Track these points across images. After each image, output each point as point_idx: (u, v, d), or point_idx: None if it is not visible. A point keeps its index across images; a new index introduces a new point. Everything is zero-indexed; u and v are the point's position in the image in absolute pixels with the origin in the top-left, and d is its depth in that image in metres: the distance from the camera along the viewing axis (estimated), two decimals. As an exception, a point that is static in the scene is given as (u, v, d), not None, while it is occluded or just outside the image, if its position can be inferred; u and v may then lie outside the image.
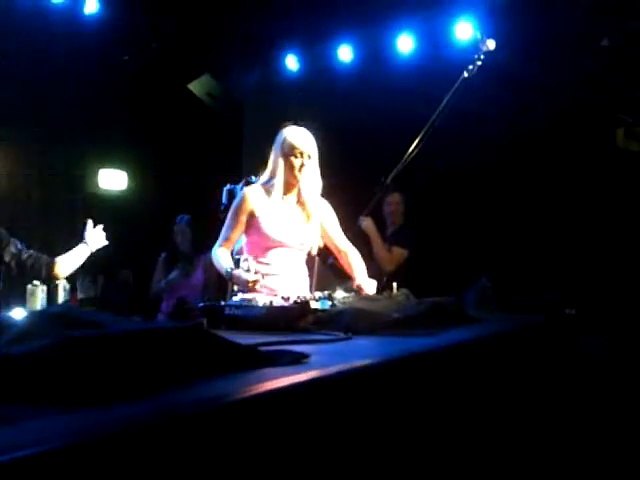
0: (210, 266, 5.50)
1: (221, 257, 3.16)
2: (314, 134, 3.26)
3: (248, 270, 2.87)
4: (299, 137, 3.21)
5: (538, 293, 4.52)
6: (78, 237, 5.14)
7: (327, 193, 3.31)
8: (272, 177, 3.22)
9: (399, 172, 4.17)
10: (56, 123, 5.74)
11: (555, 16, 5.01)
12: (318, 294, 2.51)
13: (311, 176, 3.24)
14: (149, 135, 6.33)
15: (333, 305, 2.38)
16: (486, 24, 5.01)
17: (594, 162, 5.02)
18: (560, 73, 4.87)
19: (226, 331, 2.11)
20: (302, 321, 2.20)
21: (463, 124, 4.64)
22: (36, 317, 1.31)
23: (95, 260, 5.08)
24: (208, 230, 3.22)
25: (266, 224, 3.15)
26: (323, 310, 2.30)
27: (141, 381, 1.09)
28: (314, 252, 3.33)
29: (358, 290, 3.03)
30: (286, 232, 3.17)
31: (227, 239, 3.21)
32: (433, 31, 5.68)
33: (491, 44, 3.95)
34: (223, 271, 3.07)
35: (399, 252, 4.95)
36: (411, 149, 4.06)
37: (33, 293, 4.20)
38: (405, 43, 5.77)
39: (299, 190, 3.24)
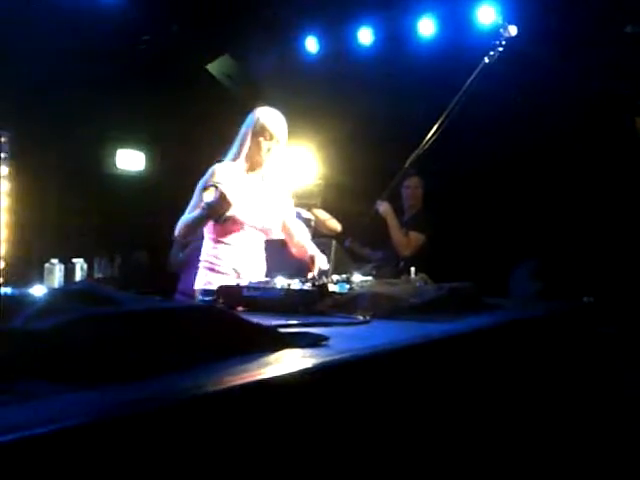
0: None
1: (188, 215, 3.07)
2: (333, 117, 3.22)
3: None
4: (272, 119, 3.16)
5: (556, 281, 4.49)
6: (94, 218, 5.17)
7: (345, 178, 3.31)
8: (238, 155, 3.15)
9: (418, 157, 4.14)
10: (74, 104, 5.74)
11: (578, 2, 4.94)
12: (336, 277, 2.50)
13: (277, 160, 3.18)
14: (167, 116, 6.31)
15: (351, 288, 2.37)
16: (508, 9, 4.96)
17: (614, 150, 4.97)
18: (582, 60, 4.80)
19: (244, 312, 2.11)
20: (320, 304, 2.19)
21: (483, 109, 4.59)
22: (56, 294, 1.30)
23: (112, 240, 5.11)
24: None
25: (237, 209, 3.04)
26: (341, 293, 2.29)
27: (159, 360, 1.09)
28: (274, 235, 3.23)
29: (309, 261, 2.94)
30: (249, 214, 3.09)
31: (187, 213, 3.11)
32: (455, 15, 5.61)
33: (513, 30, 3.90)
34: (197, 220, 2.99)
35: (417, 237, 4.93)
36: (430, 134, 4.03)
37: (51, 271, 4.24)
38: (426, 26, 5.71)
39: (263, 172, 3.18)
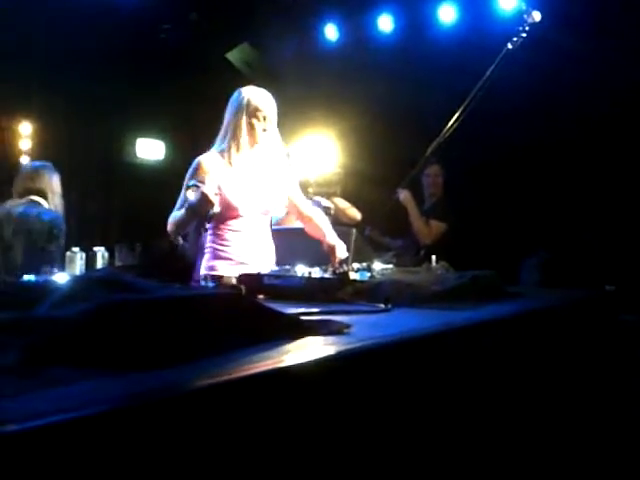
0: None
1: (176, 213, 2.96)
2: (353, 105, 3.17)
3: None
4: (263, 99, 3.05)
5: (578, 269, 4.46)
6: (115, 206, 5.20)
7: (366, 166, 3.30)
8: (230, 140, 3.02)
9: (439, 145, 4.11)
10: (94, 94, 5.77)
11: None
12: (357, 265, 2.50)
13: (273, 140, 3.08)
14: (186, 105, 6.33)
15: (372, 277, 2.36)
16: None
17: (637, 139, 4.91)
18: (607, 45, 4.74)
19: (264, 300, 2.11)
20: (341, 292, 2.19)
21: (505, 97, 4.55)
22: (80, 281, 1.31)
23: (133, 228, 5.12)
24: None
25: (229, 193, 2.95)
26: (362, 281, 2.28)
27: (182, 347, 1.09)
28: (280, 215, 3.19)
29: (329, 251, 2.92)
30: (249, 199, 2.99)
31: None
32: (476, 1, 5.58)
33: (537, 16, 3.86)
34: (185, 216, 2.84)
35: (438, 225, 4.91)
36: (452, 121, 4.00)
37: (72, 259, 4.25)
38: (447, 13, 5.68)
39: (260, 154, 3.06)
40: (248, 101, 3.02)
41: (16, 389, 0.85)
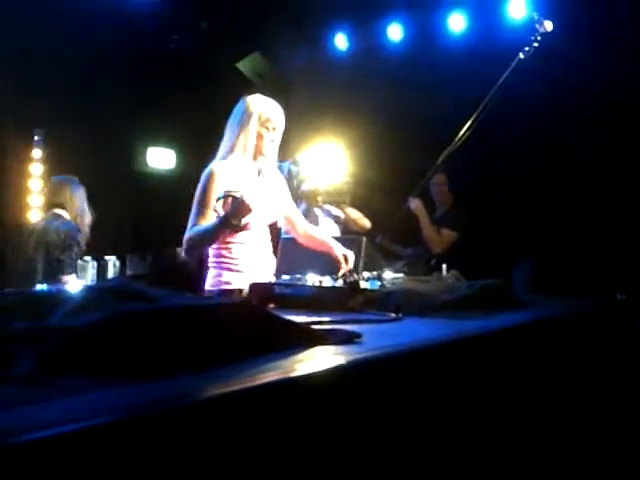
0: None
1: (199, 229, 2.86)
2: (363, 115, 3.16)
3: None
4: (274, 110, 3.00)
5: (588, 278, 4.44)
6: (126, 216, 5.21)
7: (376, 175, 3.30)
8: (239, 149, 2.96)
9: (450, 154, 4.11)
10: (105, 102, 5.80)
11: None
12: (367, 274, 2.50)
13: (275, 149, 3.05)
14: (197, 114, 6.34)
15: (382, 285, 2.36)
16: (539, 3, 4.90)
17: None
18: (618, 55, 4.73)
19: (275, 310, 2.11)
20: (351, 301, 2.19)
21: (516, 106, 4.54)
22: (91, 291, 1.31)
23: (144, 238, 5.13)
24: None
25: None
26: (372, 290, 2.28)
27: (193, 356, 1.09)
28: (280, 225, 3.16)
29: (339, 262, 2.88)
30: (258, 210, 2.85)
31: (199, 223, 2.90)
32: (485, 10, 5.58)
33: (548, 25, 3.85)
34: (209, 232, 2.80)
35: (449, 234, 4.91)
36: (463, 131, 4.00)
37: (84, 268, 4.29)
38: (457, 22, 5.69)
39: (263, 164, 2.98)
40: (259, 111, 2.97)
41: (28, 398, 0.85)
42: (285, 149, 3.23)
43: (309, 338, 1.37)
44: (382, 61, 6.02)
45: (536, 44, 3.81)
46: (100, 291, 1.27)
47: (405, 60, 5.86)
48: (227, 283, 2.95)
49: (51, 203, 4.49)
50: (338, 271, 2.80)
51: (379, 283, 2.36)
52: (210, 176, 2.93)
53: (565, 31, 4.29)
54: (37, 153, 6.00)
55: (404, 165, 5.24)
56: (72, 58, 5.55)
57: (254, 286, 2.39)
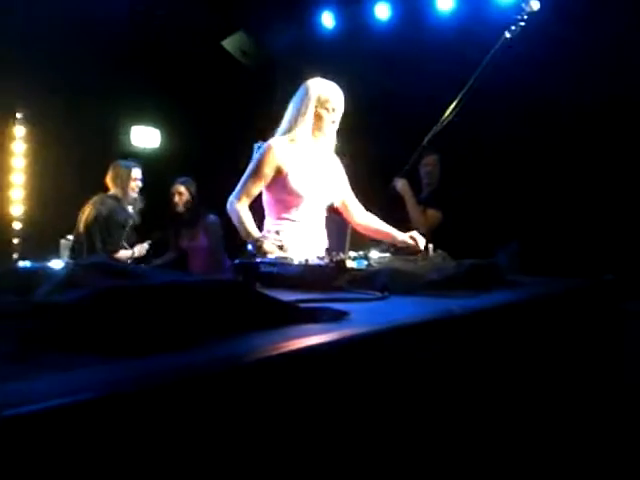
0: (213, 231, 5.56)
1: (244, 218, 3.02)
2: (350, 94, 3.19)
3: (281, 247, 2.79)
4: (332, 91, 3.10)
5: (575, 259, 4.46)
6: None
7: (363, 155, 3.29)
8: (296, 128, 3.09)
9: (436, 134, 4.09)
10: (89, 81, 5.74)
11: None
12: (353, 254, 2.49)
13: (334, 130, 3.15)
14: (182, 92, 6.30)
15: (369, 265, 2.35)
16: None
17: (633, 129, 4.90)
18: (605, 36, 4.72)
19: (261, 288, 2.10)
20: (338, 280, 2.18)
21: (503, 87, 4.53)
22: (76, 268, 1.30)
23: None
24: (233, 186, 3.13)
25: (295, 181, 3.03)
26: (359, 269, 2.27)
27: (179, 333, 1.08)
28: (337, 204, 3.24)
29: (409, 246, 3.00)
30: (313, 188, 3.07)
31: (247, 193, 3.07)
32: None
33: (535, 5, 3.83)
34: (247, 238, 2.96)
35: (434, 214, 4.91)
36: (449, 111, 3.98)
37: (67, 247, 4.27)
38: (445, 1, 5.65)
39: (322, 144, 3.14)
40: (318, 92, 3.07)
41: (12, 374, 0.84)
42: (273, 127, 3.26)
43: (295, 316, 1.36)
44: (369, 40, 5.99)
45: (522, 23, 3.79)
46: (84, 268, 1.25)
47: (392, 39, 5.83)
48: None
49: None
50: (415, 253, 2.89)
51: (365, 262, 2.36)
52: (267, 151, 3.05)
53: (552, 11, 4.28)
54: (19, 132, 5.94)
55: (391, 145, 5.22)
56: (54, 38, 5.48)
57: (240, 264, 2.38)
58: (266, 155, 3.04)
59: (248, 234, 2.98)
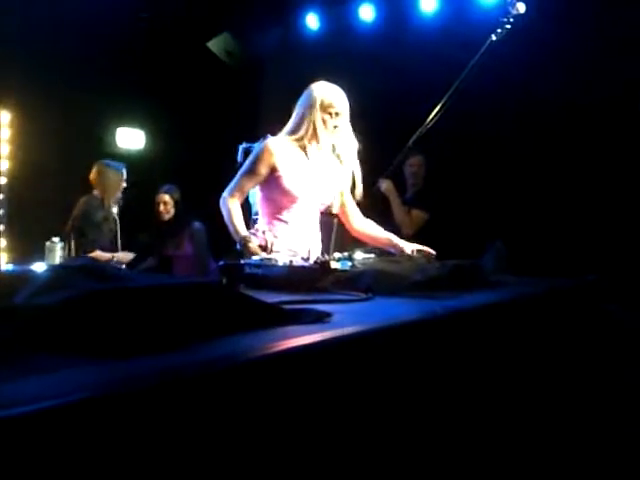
0: (199, 237, 5.55)
1: (234, 215, 3.02)
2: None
3: (264, 248, 2.82)
4: (335, 95, 3.10)
5: (562, 260, 4.49)
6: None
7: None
8: (300, 131, 3.09)
9: (421, 135, 4.11)
10: (73, 83, 5.72)
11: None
12: (338, 255, 2.49)
13: (346, 135, 3.14)
14: (167, 94, 6.29)
15: (353, 266, 2.36)
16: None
17: (617, 129, 4.93)
18: (589, 37, 4.75)
19: (245, 289, 2.10)
20: (322, 281, 2.18)
21: (488, 87, 4.55)
22: (59, 270, 1.29)
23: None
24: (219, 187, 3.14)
25: (289, 181, 3.02)
26: (343, 271, 2.28)
27: (163, 336, 1.08)
28: (334, 211, 3.27)
29: (424, 254, 2.95)
30: (308, 190, 3.07)
31: (240, 189, 3.07)
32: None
33: (521, 7, 3.85)
34: (235, 236, 2.98)
35: (419, 215, 4.93)
36: (434, 112, 4.00)
37: (52, 250, 4.25)
38: (428, 3, 5.68)
39: (324, 148, 3.13)
40: (321, 97, 3.06)
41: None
42: (258, 129, 3.26)
43: (279, 317, 1.37)
44: (354, 41, 6.00)
45: (508, 26, 3.81)
46: (68, 270, 1.25)
47: (377, 41, 5.84)
48: None
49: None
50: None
51: (350, 263, 2.36)
52: (264, 149, 3.05)
53: (538, 13, 4.30)
54: (4, 133, 5.90)
55: (376, 146, 5.22)
56: (39, 38, 5.45)
57: (224, 266, 2.38)
58: (262, 152, 3.04)
59: (236, 232, 2.99)
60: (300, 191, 3.04)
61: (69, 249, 4.53)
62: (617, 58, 4.68)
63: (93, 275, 1.19)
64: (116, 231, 5.01)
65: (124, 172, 5.18)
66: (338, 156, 3.19)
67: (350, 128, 3.16)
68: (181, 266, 5.53)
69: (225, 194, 3.09)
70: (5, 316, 1.04)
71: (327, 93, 3.08)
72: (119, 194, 5.11)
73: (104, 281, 1.19)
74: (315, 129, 3.07)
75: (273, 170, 3.03)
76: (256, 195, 3.17)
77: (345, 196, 3.29)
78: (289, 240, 3.04)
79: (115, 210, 5.03)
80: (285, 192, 3.04)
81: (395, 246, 3.12)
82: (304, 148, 3.10)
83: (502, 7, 3.93)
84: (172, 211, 5.56)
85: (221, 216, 3.10)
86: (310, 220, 3.16)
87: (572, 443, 2.53)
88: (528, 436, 2.21)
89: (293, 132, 3.11)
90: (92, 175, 5.11)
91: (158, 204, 5.55)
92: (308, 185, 3.06)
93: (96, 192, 5.08)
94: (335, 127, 3.08)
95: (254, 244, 2.84)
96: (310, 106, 3.07)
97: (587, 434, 2.64)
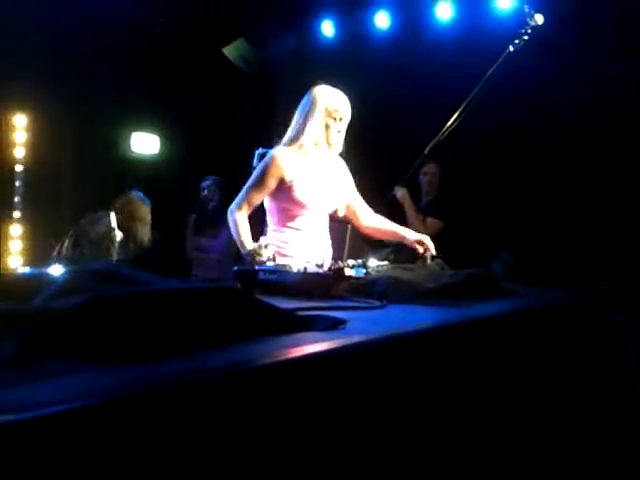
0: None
1: (241, 229, 3.02)
2: (350, 102, 3.16)
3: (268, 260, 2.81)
4: (340, 101, 3.07)
5: (571, 269, 4.46)
6: (109, 200, 5.18)
7: (363, 164, 3.29)
8: (302, 137, 3.05)
9: (438, 143, 4.10)
10: (89, 88, 5.75)
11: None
12: (352, 262, 2.49)
13: (341, 139, 3.12)
14: (182, 99, 6.31)
15: (367, 273, 2.36)
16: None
17: (632, 140, 4.91)
18: (609, 50, 4.72)
19: (260, 296, 2.10)
20: (336, 288, 2.18)
21: (505, 98, 4.54)
22: (75, 274, 1.30)
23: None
24: (233, 193, 3.15)
25: (300, 191, 3.01)
26: (357, 278, 2.28)
27: (177, 340, 1.09)
28: (340, 214, 3.26)
29: (419, 246, 3.00)
30: (318, 197, 3.07)
31: (248, 202, 3.06)
32: (473, -1, 5.58)
33: (539, 19, 3.84)
34: (242, 249, 2.95)
35: (433, 223, 4.92)
36: (451, 121, 3.99)
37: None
38: (444, 10, 5.67)
39: (328, 153, 3.11)
40: (326, 102, 3.03)
41: (10, 381, 0.85)
42: (273, 134, 3.26)
43: (294, 324, 1.37)
44: (369, 49, 6.00)
45: (526, 37, 3.80)
46: (84, 274, 1.26)
47: (392, 48, 5.83)
48: None
49: None
50: (418, 258, 2.93)
51: (364, 271, 2.36)
52: (271, 161, 3.02)
53: (556, 25, 4.29)
54: (20, 137, 5.94)
55: (391, 153, 5.23)
56: (56, 43, 5.48)
57: (239, 272, 2.39)
58: (270, 165, 3.03)
59: (243, 246, 2.98)
60: (310, 200, 3.04)
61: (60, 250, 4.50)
62: (636, 69, 4.66)
63: (110, 279, 1.20)
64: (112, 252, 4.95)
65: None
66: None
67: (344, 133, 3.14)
68: (206, 264, 5.61)
69: (233, 207, 3.09)
70: (21, 318, 1.05)
71: (332, 98, 3.06)
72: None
73: (120, 285, 1.19)
74: (318, 134, 3.04)
75: (282, 182, 3.02)
76: (265, 203, 3.16)
77: (352, 194, 3.28)
78: (301, 246, 3.05)
79: (119, 234, 4.95)
80: (295, 201, 3.03)
81: (405, 238, 3.11)
82: (308, 154, 3.07)
83: (519, 17, 3.92)
84: (217, 199, 5.68)
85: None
86: (320, 225, 3.16)
87: (581, 450, 2.52)
88: (539, 443, 2.20)
89: (296, 138, 3.08)
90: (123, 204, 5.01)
91: (204, 195, 5.67)
92: (317, 192, 3.06)
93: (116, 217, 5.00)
94: (338, 132, 3.06)
95: (259, 259, 2.82)
96: (314, 111, 3.04)
97: (596, 441, 2.62)
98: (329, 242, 3.24)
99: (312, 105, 3.05)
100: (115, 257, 4.62)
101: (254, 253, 2.85)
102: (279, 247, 3.05)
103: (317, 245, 3.11)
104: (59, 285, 1.18)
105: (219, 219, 5.63)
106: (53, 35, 5.45)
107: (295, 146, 3.07)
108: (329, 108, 3.03)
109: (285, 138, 3.13)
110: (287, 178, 3.02)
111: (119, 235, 4.67)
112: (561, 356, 2.44)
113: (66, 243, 4.38)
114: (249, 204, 3.08)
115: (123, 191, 4.81)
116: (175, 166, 6.42)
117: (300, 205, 3.05)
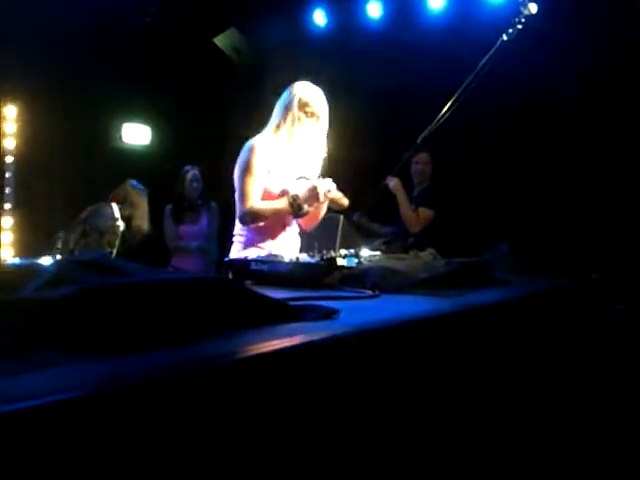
0: (214, 216, 5.68)
1: (264, 204, 3.03)
2: (341, 91, 3.17)
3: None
4: (314, 97, 3.11)
5: (563, 258, 4.47)
6: (100, 191, 5.15)
7: (355, 154, 3.30)
8: (280, 130, 3.10)
9: (430, 133, 4.09)
10: (79, 78, 5.71)
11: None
12: (344, 251, 2.49)
13: (318, 137, 3.14)
14: (173, 89, 6.29)
15: (359, 263, 2.36)
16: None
17: (626, 130, 4.91)
18: (602, 39, 4.72)
19: (252, 286, 2.10)
20: (328, 278, 2.18)
21: (497, 88, 4.53)
22: (65, 264, 1.29)
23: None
24: (222, 182, 3.14)
25: (273, 181, 3.05)
26: (349, 267, 2.27)
27: (168, 331, 1.08)
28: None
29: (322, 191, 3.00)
30: (290, 189, 3.07)
31: (250, 197, 3.03)
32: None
33: (533, 8, 3.83)
34: (285, 210, 3.00)
35: (426, 212, 4.93)
36: (444, 110, 3.98)
37: (54, 244, 4.25)
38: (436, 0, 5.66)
39: (302, 146, 3.13)
40: (299, 96, 3.08)
41: (1, 371, 0.84)
42: (264, 124, 3.26)
43: (285, 314, 1.37)
44: (361, 38, 5.98)
45: (519, 26, 3.78)
46: (75, 264, 1.25)
47: (384, 37, 5.82)
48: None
49: None
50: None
51: (356, 260, 2.36)
52: (251, 149, 3.07)
53: (549, 13, 4.28)
54: (10, 127, 5.91)
55: (383, 143, 5.22)
56: (46, 32, 5.45)
57: (230, 262, 2.38)
58: (253, 155, 3.05)
59: (281, 205, 3.02)
60: (280, 190, 3.05)
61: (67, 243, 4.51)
62: (630, 58, 4.66)
63: (100, 270, 1.19)
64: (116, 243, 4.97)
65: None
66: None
67: (323, 131, 3.15)
68: (183, 255, 5.61)
69: (241, 214, 3.08)
70: (11, 309, 1.04)
71: (305, 93, 3.10)
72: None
73: (110, 276, 1.19)
74: (291, 127, 3.09)
75: (264, 171, 3.06)
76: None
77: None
78: (274, 237, 3.12)
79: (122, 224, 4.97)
80: (267, 192, 3.05)
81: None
82: (285, 147, 3.11)
83: (512, 6, 3.90)
84: (198, 187, 5.68)
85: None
86: (288, 217, 3.15)
87: (574, 440, 2.52)
88: (533, 432, 2.21)
89: (274, 130, 3.14)
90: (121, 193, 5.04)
91: (183, 183, 5.66)
92: (287, 182, 3.06)
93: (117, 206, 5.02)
94: (311, 127, 3.09)
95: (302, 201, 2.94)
96: (289, 104, 3.10)
97: (589, 432, 2.63)
98: (297, 234, 3.24)
99: (287, 99, 3.12)
100: (118, 248, 4.65)
101: (296, 198, 2.90)
102: (248, 238, 3.12)
103: (289, 236, 3.16)
104: (49, 276, 1.17)
105: (198, 205, 5.67)
106: (43, 26, 5.41)
107: (271, 136, 3.12)
108: (301, 101, 3.07)
109: (265, 129, 3.18)
110: (265, 167, 3.05)
111: (122, 226, 4.68)
112: (553, 344, 2.44)
113: (73, 235, 4.39)
114: (252, 198, 3.05)
115: (122, 181, 4.81)
116: (166, 156, 6.40)
117: (272, 196, 3.06)
